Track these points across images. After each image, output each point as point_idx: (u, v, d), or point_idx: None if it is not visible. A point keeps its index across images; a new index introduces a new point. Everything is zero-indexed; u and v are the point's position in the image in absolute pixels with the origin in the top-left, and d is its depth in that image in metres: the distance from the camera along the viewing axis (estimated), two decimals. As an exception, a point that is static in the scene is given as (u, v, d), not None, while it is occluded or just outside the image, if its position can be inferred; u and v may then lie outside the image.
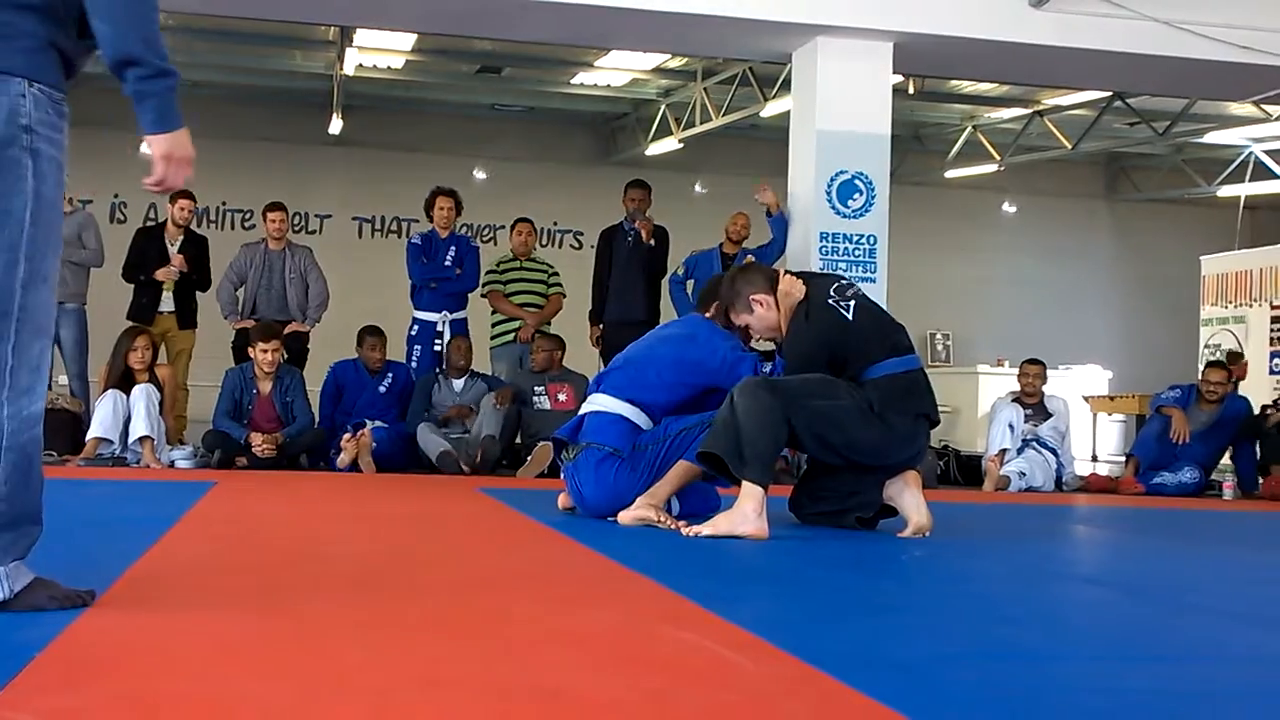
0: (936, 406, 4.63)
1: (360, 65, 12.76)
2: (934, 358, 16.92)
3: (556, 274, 9.27)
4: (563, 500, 5.12)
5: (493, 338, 9.14)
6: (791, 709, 1.90)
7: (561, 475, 5.10)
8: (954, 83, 13.34)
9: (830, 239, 8.74)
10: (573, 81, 13.84)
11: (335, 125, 14.11)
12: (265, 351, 7.85)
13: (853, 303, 4.59)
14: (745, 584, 3.35)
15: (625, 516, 4.57)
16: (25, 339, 2.31)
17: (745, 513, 4.18)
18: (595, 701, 1.88)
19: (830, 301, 4.57)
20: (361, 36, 11.43)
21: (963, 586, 3.58)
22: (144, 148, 2.42)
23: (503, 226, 10.43)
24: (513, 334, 9.00)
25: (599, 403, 4.92)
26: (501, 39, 10.93)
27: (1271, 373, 14.22)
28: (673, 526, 4.42)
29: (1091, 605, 3.32)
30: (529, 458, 7.84)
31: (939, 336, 17.21)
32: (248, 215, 14.39)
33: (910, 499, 4.55)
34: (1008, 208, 18.15)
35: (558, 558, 3.83)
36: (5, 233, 2.29)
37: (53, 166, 2.35)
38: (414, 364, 8.63)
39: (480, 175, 15.81)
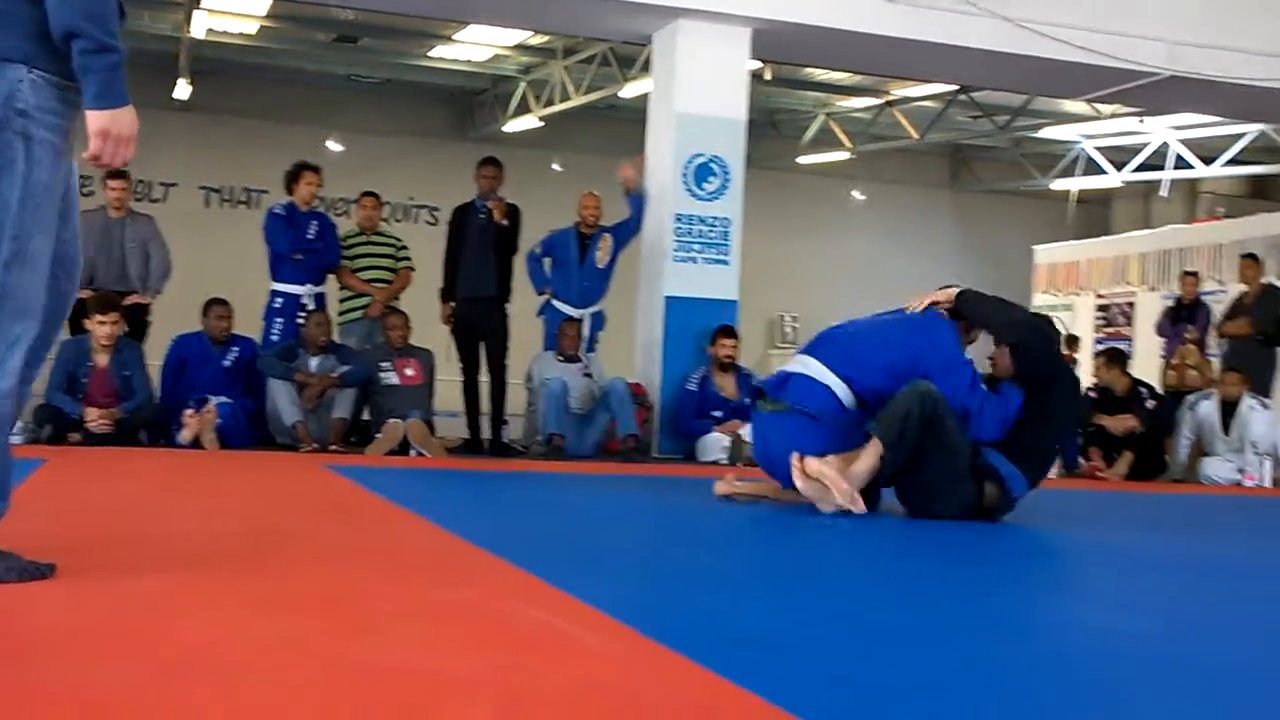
0: None
1: (210, 29, 12.44)
2: (781, 339, 17.23)
3: (405, 248, 9.15)
4: (723, 488, 5.15)
5: (341, 314, 8.99)
6: (638, 685, 1.94)
7: (746, 431, 5.09)
8: (808, 70, 13.56)
9: (686, 221, 8.83)
10: (431, 54, 13.71)
11: (182, 90, 13.73)
12: (103, 324, 7.61)
13: None
14: (596, 562, 3.37)
15: (813, 465, 4.63)
16: (6, 316, 2.40)
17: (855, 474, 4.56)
18: (447, 678, 1.90)
19: None
20: (211, -1, 11.15)
21: (810, 560, 3.67)
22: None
23: (356, 200, 10.30)
24: (361, 310, 8.88)
25: (810, 368, 4.91)
26: (359, 8, 10.76)
27: (1096, 357, 14.83)
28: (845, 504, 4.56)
29: (933, 579, 3.41)
30: (378, 435, 7.77)
31: (787, 319, 17.51)
32: (86, 182, 13.84)
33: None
34: (857, 195, 18.54)
35: (409, 535, 3.82)
36: None
37: (47, 151, 2.42)
38: (274, 337, 8.40)
39: (334, 147, 15.56)
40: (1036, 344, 4.97)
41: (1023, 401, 4.81)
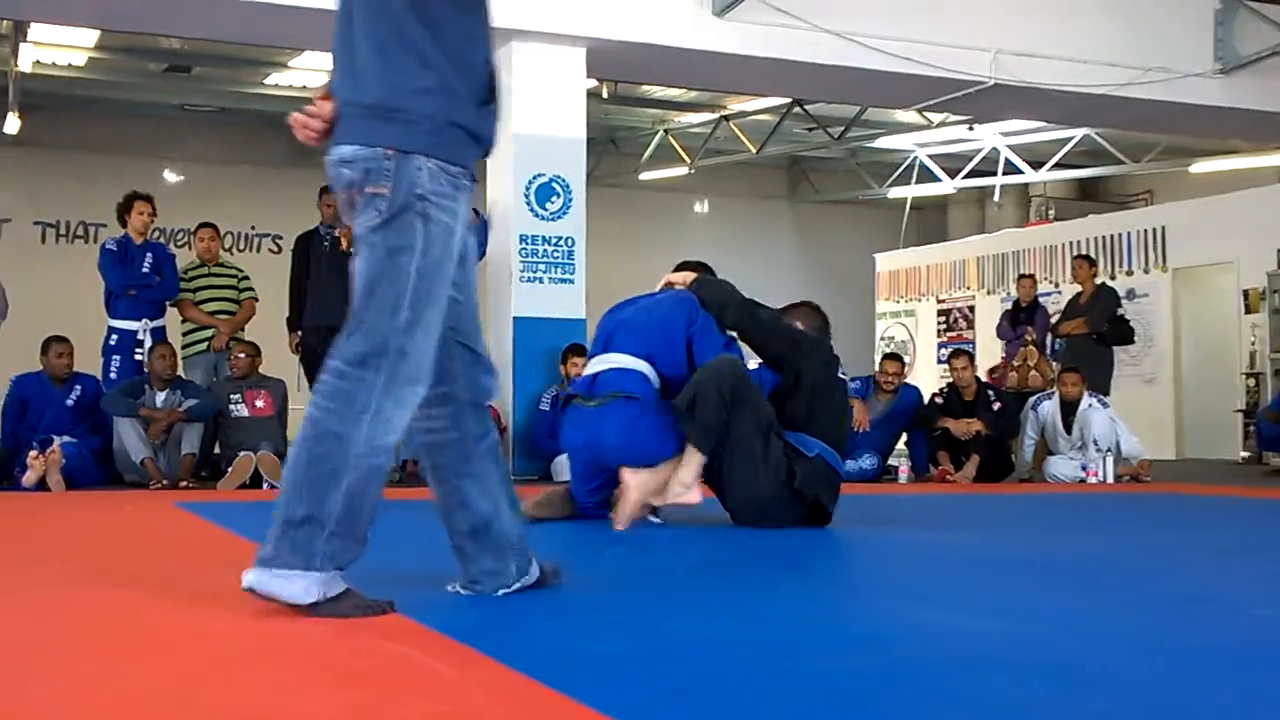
0: None
1: (38, 61, 12.10)
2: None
3: (247, 278, 9.04)
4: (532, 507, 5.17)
5: (184, 347, 8.83)
6: (494, 715, 1.97)
7: (561, 420, 5.24)
8: (645, 87, 13.72)
9: (530, 241, 8.87)
10: (266, 82, 13.53)
11: (12, 124, 13.30)
12: (-65, 367, 7.38)
13: None
14: (445, 589, 3.37)
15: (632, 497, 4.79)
16: (400, 377, 2.63)
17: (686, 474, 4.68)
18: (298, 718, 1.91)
19: None
20: (37, 31, 10.84)
21: (659, 579, 3.74)
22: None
23: (194, 231, 10.10)
24: (205, 343, 8.74)
25: (615, 361, 5.00)
26: (189, 37, 10.58)
27: (939, 362, 15.27)
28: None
29: (777, 590, 3.48)
30: (229, 469, 7.65)
31: (638, 333, 17.62)
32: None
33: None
34: (699, 208, 18.80)
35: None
36: (394, 285, 2.63)
37: (442, 231, 2.68)
38: (113, 374, 8.26)
39: (172, 178, 15.25)
40: (756, 324, 5.22)
41: (778, 379, 5.08)
